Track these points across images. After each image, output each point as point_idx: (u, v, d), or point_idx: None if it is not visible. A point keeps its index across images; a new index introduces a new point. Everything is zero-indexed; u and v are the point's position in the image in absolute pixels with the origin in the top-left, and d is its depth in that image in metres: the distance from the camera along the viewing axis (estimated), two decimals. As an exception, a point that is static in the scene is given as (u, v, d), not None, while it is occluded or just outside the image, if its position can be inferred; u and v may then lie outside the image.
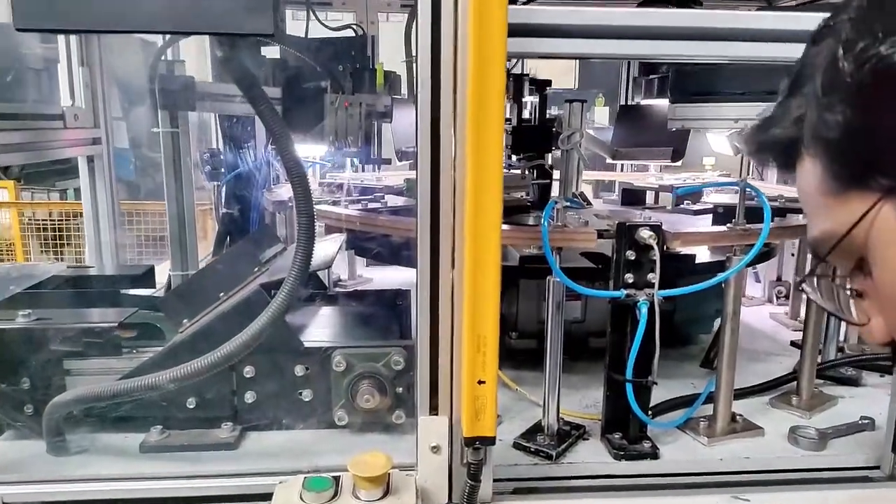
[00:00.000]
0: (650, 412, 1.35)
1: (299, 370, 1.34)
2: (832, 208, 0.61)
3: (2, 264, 4.34)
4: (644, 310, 1.25)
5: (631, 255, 1.26)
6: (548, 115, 1.98)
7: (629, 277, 1.27)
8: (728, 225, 1.36)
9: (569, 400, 1.47)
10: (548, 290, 1.29)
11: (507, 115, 1.86)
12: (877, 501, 1.31)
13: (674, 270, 1.41)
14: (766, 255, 1.77)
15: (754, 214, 1.33)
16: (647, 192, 2.46)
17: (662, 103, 2.16)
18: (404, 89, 2.25)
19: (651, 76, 2.18)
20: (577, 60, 5.69)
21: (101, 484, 1.21)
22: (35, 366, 1.32)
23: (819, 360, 1.58)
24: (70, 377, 1.34)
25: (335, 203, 1.84)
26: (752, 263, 1.45)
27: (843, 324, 1.77)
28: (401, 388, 1.33)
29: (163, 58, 1.75)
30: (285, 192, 1.95)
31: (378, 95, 1.73)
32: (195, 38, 1.92)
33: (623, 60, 2.78)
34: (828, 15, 0.61)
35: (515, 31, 1.00)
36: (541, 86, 1.98)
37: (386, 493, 1.10)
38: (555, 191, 1.93)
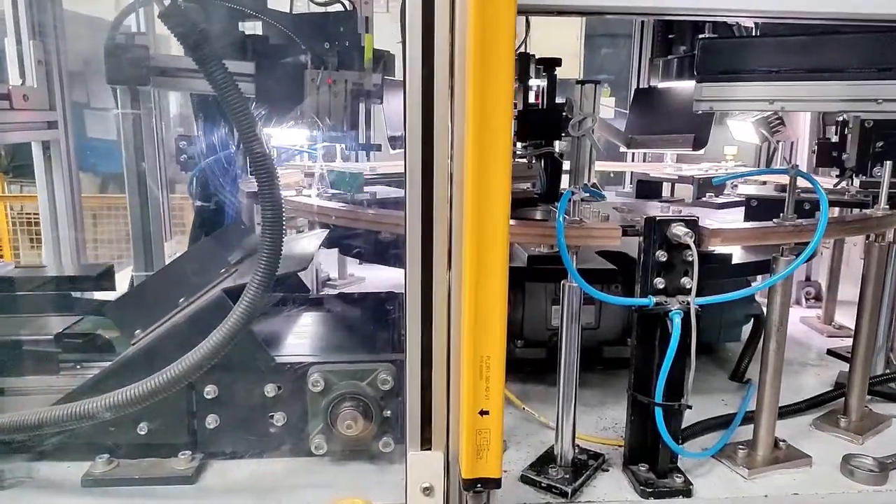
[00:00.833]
0: (680, 438, 1.16)
1: (270, 390, 1.16)
2: None
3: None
4: (677, 320, 1.06)
5: (662, 255, 1.07)
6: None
7: (659, 282, 1.08)
8: (775, 220, 1.15)
9: (583, 420, 1.27)
10: (562, 297, 1.09)
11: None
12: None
13: (704, 272, 1.22)
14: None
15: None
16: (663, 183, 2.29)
17: (682, 85, 1.99)
18: (399, 73, 2.05)
19: (670, 56, 2.00)
20: (583, 48, 5.51)
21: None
22: (-40, 385, 1.14)
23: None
24: (3, 397, 1.17)
25: (320, 195, 1.65)
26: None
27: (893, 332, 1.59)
28: (389, 412, 1.15)
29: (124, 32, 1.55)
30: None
31: (366, 73, 1.53)
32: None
33: (638, 35, 2.61)
34: None
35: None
36: (549, 66, 1.78)
37: (368, 546, 0.91)
38: (563, 182, 1.75)
